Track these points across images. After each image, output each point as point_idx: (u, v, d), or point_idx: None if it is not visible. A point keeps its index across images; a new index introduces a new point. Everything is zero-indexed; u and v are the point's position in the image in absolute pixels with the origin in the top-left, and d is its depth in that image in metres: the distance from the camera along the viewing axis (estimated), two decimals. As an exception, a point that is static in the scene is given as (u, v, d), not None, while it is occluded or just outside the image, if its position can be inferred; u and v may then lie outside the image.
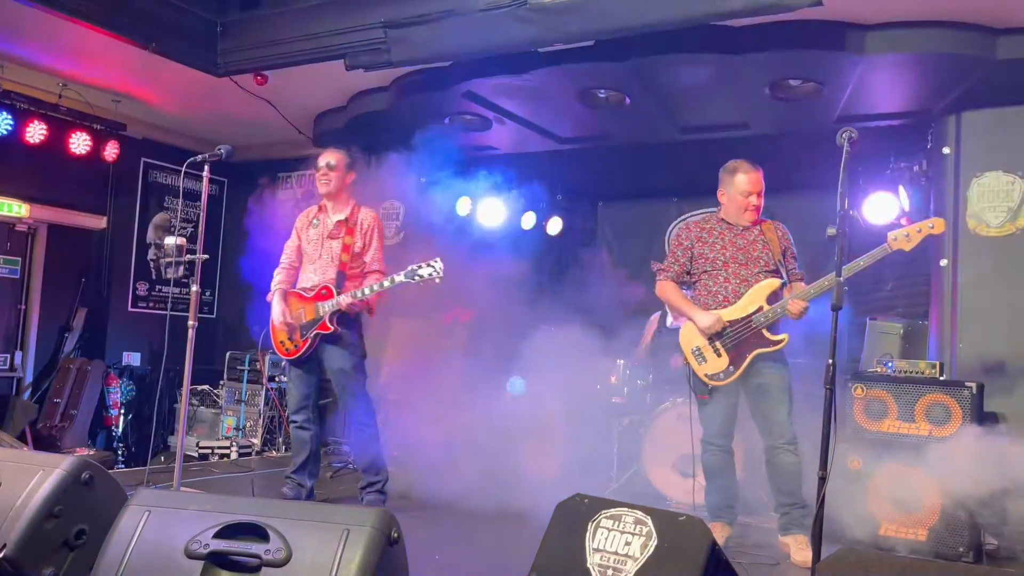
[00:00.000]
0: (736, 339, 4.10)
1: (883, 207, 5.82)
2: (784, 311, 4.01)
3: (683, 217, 8.04)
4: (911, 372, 4.44)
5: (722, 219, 4.32)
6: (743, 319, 4.09)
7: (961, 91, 4.95)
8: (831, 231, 3.12)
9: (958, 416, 4.15)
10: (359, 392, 4.61)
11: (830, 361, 2.87)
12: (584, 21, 4.42)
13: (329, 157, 4.63)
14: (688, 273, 4.34)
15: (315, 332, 4.48)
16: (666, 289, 4.36)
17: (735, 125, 5.97)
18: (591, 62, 4.97)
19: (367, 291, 4.42)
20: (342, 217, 4.63)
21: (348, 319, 4.55)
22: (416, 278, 4.32)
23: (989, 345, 4.97)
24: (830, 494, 3.03)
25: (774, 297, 4.10)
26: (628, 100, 5.54)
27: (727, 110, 5.74)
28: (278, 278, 4.73)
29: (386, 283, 4.41)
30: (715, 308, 4.18)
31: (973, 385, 4.19)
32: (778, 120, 5.78)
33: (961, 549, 4.03)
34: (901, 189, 5.75)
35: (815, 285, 3.90)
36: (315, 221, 4.70)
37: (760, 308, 4.07)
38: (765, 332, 4.06)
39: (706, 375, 4.18)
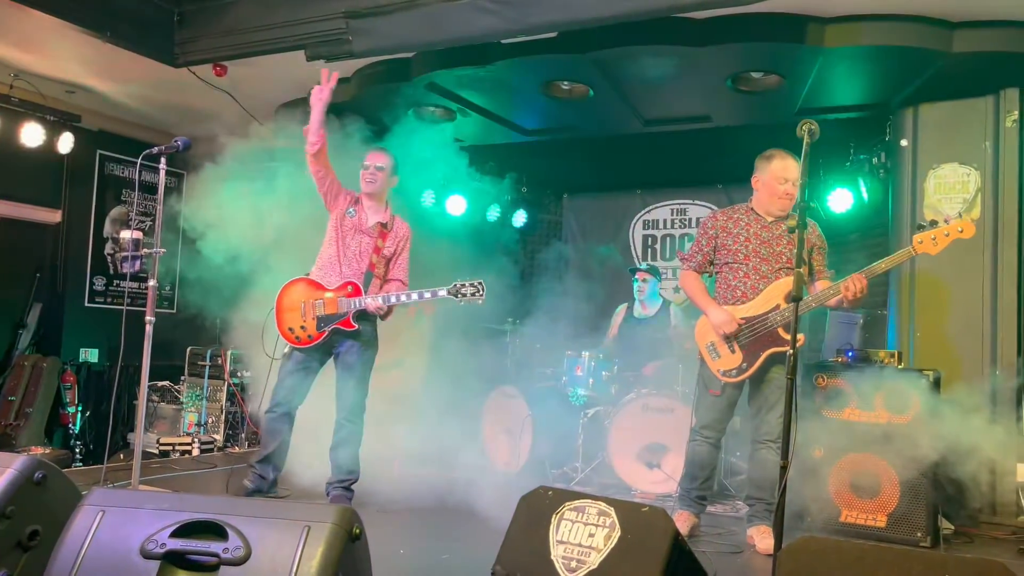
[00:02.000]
0: (751, 336, 4.06)
1: (842, 198, 5.91)
2: (806, 308, 3.89)
3: (648, 208, 8.09)
4: (870, 361, 4.51)
5: (751, 209, 4.25)
6: (759, 316, 4.04)
7: (918, 84, 5.03)
8: (791, 222, 3.15)
9: (916, 403, 4.22)
10: (363, 388, 4.54)
11: (790, 351, 2.90)
12: (546, 12, 4.40)
13: (378, 159, 4.59)
14: (711, 263, 4.29)
15: (335, 327, 4.39)
16: (687, 280, 4.32)
17: (697, 117, 6.01)
18: (554, 53, 4.96)
19: (402, 297, 4.35)
20: (382, 220, 4.58)
21: (368, 316, 4.50)
22: (459, 296, 4.27)
23: (945, 333, 5.06)
24: (792, 482, 3.06)
25: (790, 296, 4.02)
26: (591, 92, 5.55)
27: (690, 102, 5.77)
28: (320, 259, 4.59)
29: (427, 295, 4.32)
30: (732, 303, 4.14)
31: (930, 373, 4.27)
32: (740, 112, 5.83)
33: (919, 534, 4.11)
34: (860, 181, 5.84)
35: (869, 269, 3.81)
36: (351, 210, 4.58)
37: (777, 306, 4.01)
38: (780, 331, 4.00)
39: (719, 371, 4.15)
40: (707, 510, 4.57)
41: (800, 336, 4.01)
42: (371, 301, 4.35)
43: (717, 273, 4.29)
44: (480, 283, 4.26)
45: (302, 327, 4.45)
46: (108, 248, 7.29)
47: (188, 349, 7.01)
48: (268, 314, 4.58)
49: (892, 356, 4.48)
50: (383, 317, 4.53)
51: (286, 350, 4.53)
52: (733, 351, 4.11)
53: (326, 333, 4.41)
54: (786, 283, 3.99)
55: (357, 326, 4.41)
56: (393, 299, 4.37)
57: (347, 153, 5.14)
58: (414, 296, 4.35)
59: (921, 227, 3.82)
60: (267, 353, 4.66)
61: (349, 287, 4.42)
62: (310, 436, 4.73)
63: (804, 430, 4.37)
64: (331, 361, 4.60)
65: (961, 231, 3.71)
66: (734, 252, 4.17)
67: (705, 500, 4.43)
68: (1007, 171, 4.97)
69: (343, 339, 4.48)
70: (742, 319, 4.07)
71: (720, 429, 4.26)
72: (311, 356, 4.51)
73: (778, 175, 4.11)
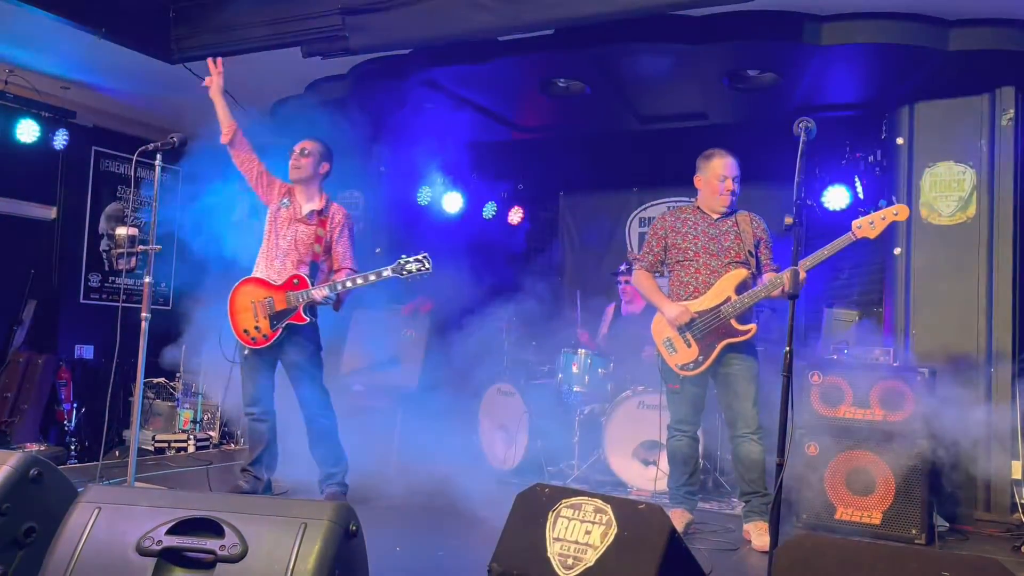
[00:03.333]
0: (705, 329, 4.15)
1: (838, 196, 5.91)
2: (753, 300, 4.07)
3: (644, 206, 8.09)
4: (866, 359, 4.52)
5: (698, 207, 4.39)
6: (711, 309, 4.14)
7: (914, 82, 5.04)
8: (788, 220, 3.15)
9: (911, 401, 4.23)
10: (315, 384, 4.52)
11: (787, 349, 2.90)
12: (543, 9, 4.40)
13: (304, 144, 4.54)
14: (662, 263, 4.41)
15: (287, 323, 4.36)
16: (640, 278, 4.44)
17: (694, 115, 6.01)
18: (550, 51, 4.96)
19: (348, 283, 4.28)
20: (316, 208, 4.52)
21: (311, 310, 4.46)
22: (404, 273, 4.20)
23: (941, 331, 5.07)
24: (788, 480, 3.07)
25: (742, 287, 4.14)
26: (588, 90, 5.55)
27: (686, 100, 5.77)
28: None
29: (372, 277, 4.26)
30: (685, 299, 4.25)
31: (925, 370, 4.28)
32: (736, 110, 5.84)
33: (914, 531, 4.12)
34: (856, 179, 5.84)
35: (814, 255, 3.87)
36: (285, 201, 4.55)
37: (728, 299, 4.12)
38: (733, 322, 4.11)
39: (677, 365, 4.22)
40: (703, 507, 4.59)
41: (752, 326, 4.13)
42: (317, 292, 4.31)
43: (669, 272, 4.41)
44: (424, 256, 4.22)
45: (256, 327, 4.41)
46: (103, 245, 7.27)
47: (183, 346, 7.00)
48: (224, 321, 4.57)
49: (887, 354, 4.49)
50: (335, 307, 4.48)
51: (245, 352, 4.49)
52: (689, 345, 4.19)
53: (281, 330, 4.38)
54: (735, 275, 4.16)
55: (309, 319, 4.37)
56: (339, 286, 4.31)
57: (344, 150, 5.13)
58: (359, 280, 4.29)
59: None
60: (226, 357, 4.63)
61: (295, 280, 4.38)
62: (304, 433, 4.72)
63: (799, 427, 4.39)
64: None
65: (896, 214, 3.81)
66: (684, 250, 4.30)
67: (695, 495, 4.45)
68: (1002, 169, 4.98)
69: (290, 336, 4.43)
70: (695, 313, 4.16)
71: (694, 422, 4.33)
72: (267, 355, 4.50)
73: (718, 173, 4.27)
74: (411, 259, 4.21)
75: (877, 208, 3.94)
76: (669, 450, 4.40)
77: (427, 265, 4.22)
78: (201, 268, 5.72)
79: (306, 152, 4.52)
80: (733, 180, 4.26)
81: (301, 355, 4.47)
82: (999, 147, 4.99)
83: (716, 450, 5.46)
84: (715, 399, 4.40)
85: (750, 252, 4.23)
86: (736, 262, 4.21)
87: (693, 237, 4.30)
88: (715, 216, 4.32)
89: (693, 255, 4.27)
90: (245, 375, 4.55)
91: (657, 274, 4.46)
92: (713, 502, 5.03)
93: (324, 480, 4.55)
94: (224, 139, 4.48)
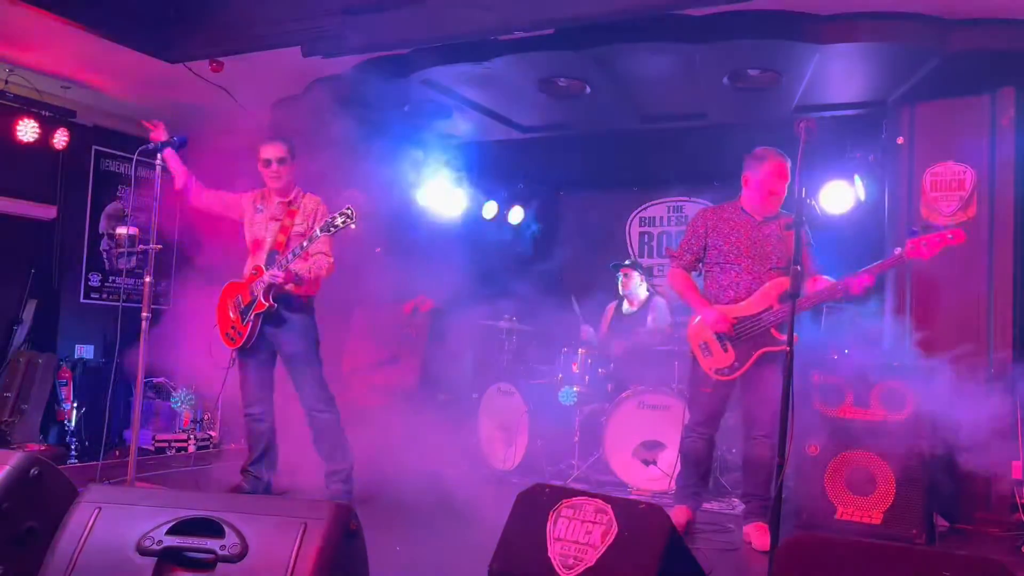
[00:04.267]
0: (744, 336, 4.08)
1: (839, 196, 5.91)
2: (800, 309, 3.91)
3: (644, 206, 8.09)
4: (866, 358, 4.52)
5: (741, 208, 4.27)
6: (752, 317, 4.07)
7: (914, 82, 5.03)
8: (788, 219, 3.15)
9: (911, 401, 4.22)
10: (314, 377, 4.53)
11: (788, 349, 2.90)
12: (543, 8, 4.40)
13: (277, 151, 4.52)
14: (700, 262, 4.30)
15: (253, 313, 4.39)
16: (677, 278, 4.33)
17: (694, 115, 6.00)
18: (551, 50, 4.95)
19: (290, 256, 4.29)
20: (284, 199, 4.59)
21: (294, 302, 4.47)
22: (332, 229, 4.18)
23: (941, 331, 5.06)
24: (788, 480, 3.07)
25: (784, 296, 4.05)
26: (588, 89, 5.54)
27: (687, 99, 5.76)
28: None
29: (305, 243, 4.28)
30: (724, 303, 4.16)
31: (925, 370, 4.28)
32: (737, 110, 5.83)
33: (914, 531, 4.12)
34: (857, 178, 5.84)
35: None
36: (259, 207, 4.64)
37: (770, 307, 4.04)
38: (773, 331, 4.03)
39: (712, 369, 4.17)
40: (704, 507, 4.58)
41: (795, 335, 4.07)
42: (268, 275, 4.32)
43: (706, 272, 4.31)
44: (349, 208, 4.18)
45: (232, 327, 4.51)
46: (104, 244, 7.27)
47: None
48: (213, 328, 4.64)
49: (887, 353, 4.49)
50: (298, 284, 4.37)
51: (232, 356, 4.55)
52: (726, 350, 4.13)
53: (252, 322, 4.41)
54: (779, 283, 4.03)
55: (270, 303, 4.36)
56: (284, 261, 4.29)
57: (344, 150, 5.14)
58: (297, 250, 4.28)
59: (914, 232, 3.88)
60: (219, 365, 4.64)
61: (254, 270, 4.47)
62: (305, 432, 4.72)
63: (800, 427, 4.38)
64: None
65: (952, 238, 3.77)
66: (725, 252, 4.19)
67: (701, 495, 4.45)
68: (1003, 169, 4.97)
69: (275, 330, 4.47)
70: (735, 319, 4.09)
71: (714, 425, 4.29)
72: (255, 353, 4.53)
73: (773, 176, 4.12)
74: (337, 214, 4.20)
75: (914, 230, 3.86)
76: (684, 449, 4.36)
77: (352, 216, 4.17)
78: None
79: (284, 161, 4.54)
80: (785, 184, 4.13)
81: (294, 347, 4.50)
82: (999, 147, 4.99)
83: (716, 449, 5.46)
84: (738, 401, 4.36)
85: (791, 259, 4.09)
86: (778, 268, 4.10)
87: (736, 239, 4.18)
88: (759, 219, 4.20)
89: (735, 258, 4.16)
90: (241, 376, 4.60)
91: (695, 272, 4.35)
92: (713, 502, 5.03)
93: (329, 476, 4.55)
94: (180, 194, 4.59)
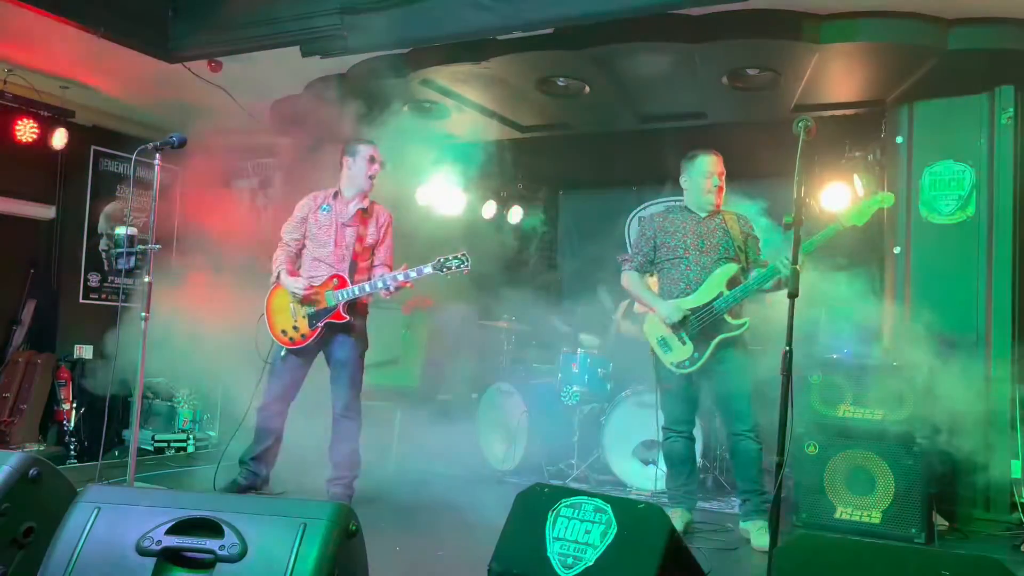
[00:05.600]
0: (699, 326, 4.17)
1: (839, 195, 5.91)
2: (745, 293, 4.08)
3: (643, 205, 8.09)
4: (865, 357, 4.52)
5: (685, 207, 4.43)
6: (704, 306, 4.16)
7: (914, 81, 5.03)
8: (788, 219, 3.15)
9: (910, 400, 4.23)
10: (354, 384, 4.53)
11: (787, 348, 2.90)
12: (542, 8, 4.40)
13: (375, 151, 4.62)
14: (652, 263, 4.43)
15: (327, 322, 4.38)
16: (630, 280, 4.46)
17: (693, 114, 6.00)
18: (550, 50, 4.95)
19: (389, 281, 4.31)
20: (362, 206, 4.58)
21: (357, 309, 4.50)
22: (444, 270, 4.25)
23: (940, 330, 5.06)
24: (786, 479, 3.07)
25: (733, 282, 4.17)
26: (587, 89, 5.54)
27: (686, 99, 5.76)
28: (281, 258, 4.58)
29: (412, 274, 4.29)
30: (677, 296, 4.26)
31: (925, 369, 4.28)
32: (736, 109, 5.83)
33: (913, 530, 4.12)
34: (856, 177, 5.84)
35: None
36: (325, 206, 4.61)
37: (720, 294, 4.15)
38: (727, 317, 4.13)
39: (672, 363, 4.23)
40: (703, 507, 4.59)
41: (745, 320, 4.14)
42: (359, 288, 4.35)
43: (659, 271, 4.43)
44: (463, 253, 4.25)
45: (294, 327, 4.45)
46: (103, 244, 7.26)
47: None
48: (259, 319, 4.58)
49: (886, 352, 4.49)
50: (389, 294, 4.42)
51: (282, 353, 4.51)
52: (684, 343, 4.21)
53: (320, 330, 4.40)
54: (726, 271, 4.20)
55: (348, 317, 4.39)
56: (380, 284, 4.33)
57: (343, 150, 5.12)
58: (400, 277, 4.31)
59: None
60: (262, 358, 4.62)
61: (335, 280, 4.43)
62: (307, 433, 4.73)
63: (797, 425, 4.38)
64: (322, 358, 4.59)
65: (882, 201, 3.88)
66: (674, 248, 4.33)
67: (694, 495, 4.45)
68: (1002, 168, 4.98)
69: (335, 335, 4.47)
70: (688, 310, 4.17)
71: (689, 421, 4.35)
72: (305, 355, 4.52)
73: (704, 171, 4.32)
74: (452, 256, 4.25)
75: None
76: (665, 451, 4.41)
77: (467, 263, 4.25)
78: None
79: (383, 162, 4.65)
80: (720, 176, 4.31)
81: (346, 353, 4.49)
82: (998, 146, 4.99)
83: (716, 449, 5.47)
84: (711, 397, 4.40)
85: (739, 248, 4.27)
86: (726, 258, 4.24)
87: (682, 236, 4.33)
88: (703, 214, 4.36)
89: (683, 252, 4.30)
90: (276, 373, 4.55)
91: (647, 274, 4.49)
92: (713, 502, 5.03)
93: (332, 479, 4.53)
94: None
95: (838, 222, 3.90)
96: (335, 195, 4.64)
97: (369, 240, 4.56)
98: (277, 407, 4.55)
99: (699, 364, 4.16)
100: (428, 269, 4.28)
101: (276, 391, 4.54)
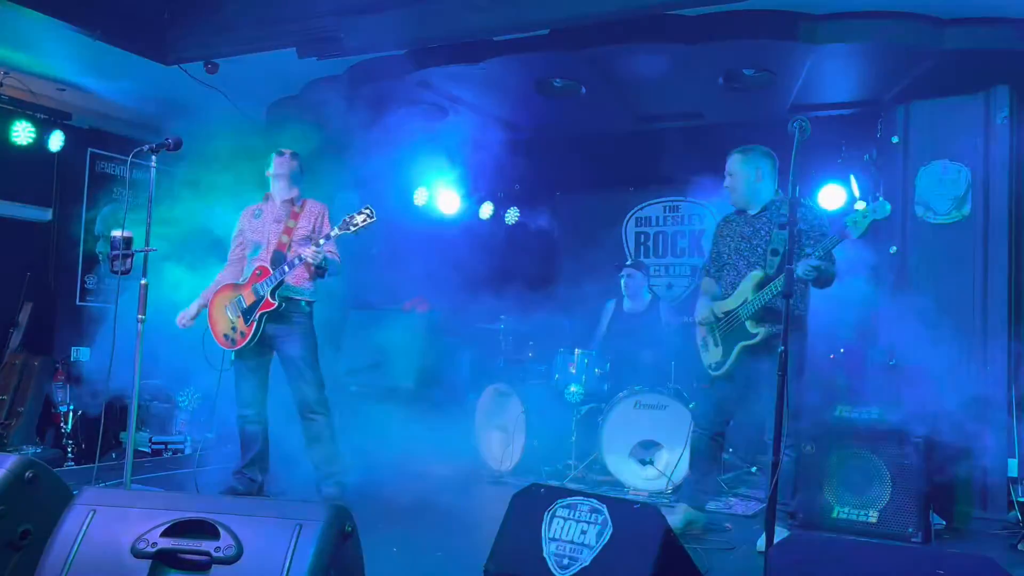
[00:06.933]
0: (727, 331, 4.13)
1: (834, 195, 5.92)
2: (761, 300, 3.97)
3: (640, 206, 8.09)
4: (861, 357, 4.52)
5: (741, 209, 4.30)
6: (732, 311, 4.11)
7: (909, 81, 5.04)
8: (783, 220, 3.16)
9: (907, 400, 4.23)
10: (313, 381, 4.55)
11: (781, 348, 2.90)
12: (538, 9, 4.41)
13: (286, 162, 4.66)
14: (714, 267, 4.40)
15: (258, 313, 4.40)
16: (702, 284, 4.49)
17: (690, 114, 6.01)
18: (546, 51, 4.95)
19: (297, 261, 4.34)
20: (288, 198, 4.62)
21: (298, 306, 4.51)
22: (352, 228, 4.27)
23: (936, 330, 5.07)
24: (784, 479, 3.07)
25: (758, 288, 4.05)
26: (584, 89, 5.55)
27: (682, 99, 5.77)
28: (222, 275, 4.71)
29: (322, 241, 4.35)
30: (722, 299, 4.23)
31: (921, 369, 4.28)
32: (732, 109, 5.84)
33: (910, 530, 4.12)
34: (852, 178, 5.85)
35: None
36: (258, 212, 4.69)
37: (745, 300, 4.06)
38: (747, 324, 4.04)
39: (707, 364, 4.24)
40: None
41: (759, 329, 4.02)
42: (278, 272, 4.38)
43: (716, 277, 4.39)
44: (368, 208, 4.27)
45: (232, 328, 4.51)
46: (99, 246, 7.25)
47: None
48: (205, 332, 4.63)
49: (883, 352, 4.49)
50: (320, 270, 4.46)
51: (232, 357, 4.57)
52: (716, 344, 4.20)
53: (256, 323, 4.42)
54: (752, 277, 4.08)
55: (277, 302, 4.40)
56: (297, 260, 4.35)
57: (340, 151, 5.14)
58: (312, 248, 4.33)
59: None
60: (213, 367, 4.62)
61: (258, 271, 4.48)
62: (298, 434, 4.72)
63: (796, 426, 4.38)
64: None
65: (875, 212, 3.75)
66: (724, 254, 4.30)
67: (705, 494, 4.37)
68: (997, 168, 4.98)
69: (276, 330, 4.48)
70: (722, 313, 4.16)
71: (715, 422, 4.29)
72: (254, 355, 4.55)
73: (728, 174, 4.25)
74: (355, 213, 4.27)
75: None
76: (690, 444, 4.41)
77: (372, 214, 4.27)
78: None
79: (295, 154, 4.69)
80: (730, 175, 4.22)
81: (294, 349, 4.51)
82: (994, 146, 5.00)
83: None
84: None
85: (773, 251, 4.03)
86: (757, 263, 4.12)
87: (730, 240, 4.28)
88: (751, 213, 4.22)
89: (727, 258, 4.27)
90: (237, 378, 4.62)
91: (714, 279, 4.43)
92: (710, 502, 5.02)
93: (322, 480, 4.55)
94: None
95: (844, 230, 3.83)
96: (265, 198, 4.72)
97: (300, 232, 4.56)
98: (250, 412, 4.60)
99: (724, 369, 4.13)
100: (335, 231, 4.32)
101: (245, 396, 4.60)
